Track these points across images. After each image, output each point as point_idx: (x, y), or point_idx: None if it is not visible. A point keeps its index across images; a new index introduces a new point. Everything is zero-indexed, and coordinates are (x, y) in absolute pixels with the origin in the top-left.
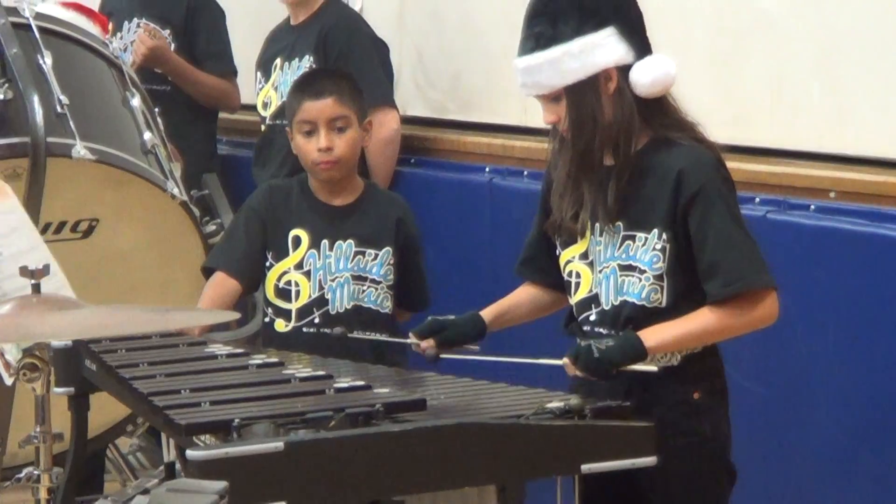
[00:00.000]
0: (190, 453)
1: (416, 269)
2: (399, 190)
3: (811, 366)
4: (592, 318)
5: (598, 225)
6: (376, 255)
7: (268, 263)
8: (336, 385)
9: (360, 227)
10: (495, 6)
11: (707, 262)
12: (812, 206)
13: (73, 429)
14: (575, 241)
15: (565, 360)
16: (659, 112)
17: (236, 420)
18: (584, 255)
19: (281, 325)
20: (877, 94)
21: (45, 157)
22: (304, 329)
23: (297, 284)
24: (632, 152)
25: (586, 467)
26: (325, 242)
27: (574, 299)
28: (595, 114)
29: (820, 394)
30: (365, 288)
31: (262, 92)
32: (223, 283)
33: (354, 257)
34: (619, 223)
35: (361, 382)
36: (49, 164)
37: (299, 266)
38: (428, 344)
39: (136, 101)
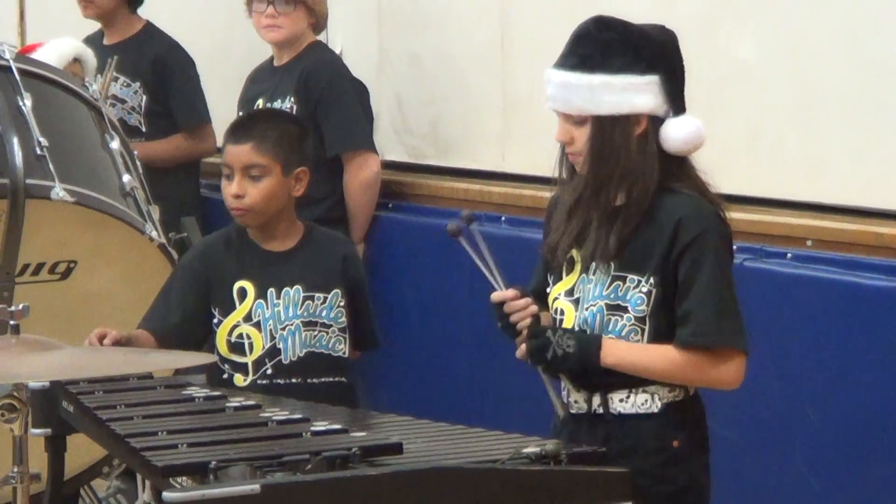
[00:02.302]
0: (167, 495)
1: (365, 307)
2: (377, 234)
3: (786, 413)
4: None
5: (592, 264)
6: (325, 299)
7: (216, 320)
8: (313, 428)
9: (307, 271)
10: (474, 52)
11: (684, 308)
12: (789, 255)
13: (50, 470)
14: (561, 277)
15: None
16: (676, 166)
17: (213, 462)
18: (570, 292)
19: (240, 380)
20: (853, 143)
21: (24, 198)
22: (259, 381)
23: (248, 337)
24: (648, 197)
25: None
26: (271, 291)
27: None
28: (618, 151)
29: (795, 441)
30: (316, 333)
31: None
32: (147, 340)
33: (303, 303)
34: (612, 263)
35: (338, 426)
36: (28, 206)
37: (248, 318)
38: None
39: (115, 144)
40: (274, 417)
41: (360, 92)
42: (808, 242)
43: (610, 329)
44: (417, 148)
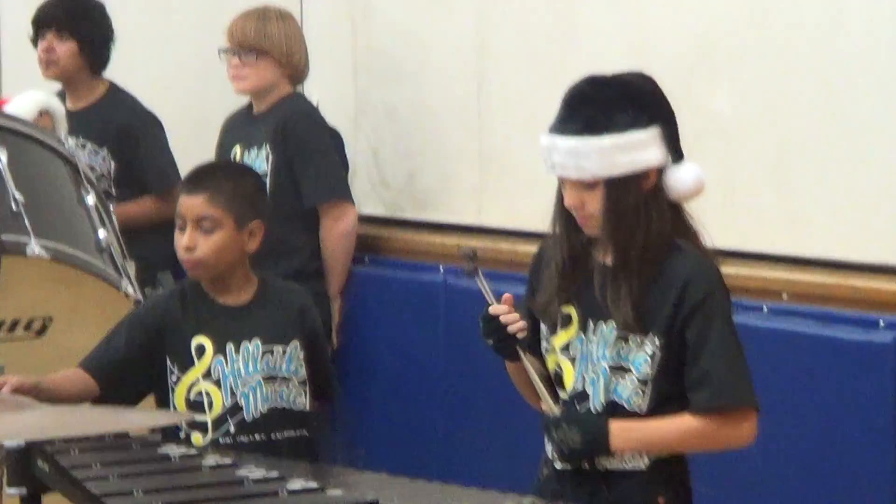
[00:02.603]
0: None
1: (323, 357)
2: (353, 289)
3: (764, 467)
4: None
5: (590, 322)
6: (285, 351)
7: (174, 377)
8: (289, 487)
9: (264, 324)
10: (450, 105)
11: (698, 371)
12: (765, 308)
13: None
14: (555, 331)
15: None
16: (676, 217)
17: None
18: (566, 348)
19: (198, 439)
20: (829, 196)
21: None
22: (221, 440)
23: (208, 394)
24: (660, 254)
25: None
26: (230, 346)
27: (561, 393)
28: (637, 210)
29: (773, 497)
30: (278, 387)
31: None
32: (80, 378)
33: (263, 357)
34: (614, 323)
35: (314, 484)
36: (3, 262)
37: (208, 375)
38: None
39: (90, 199)
40: (250, 476)
41: (336, 142)
42: (784, 295)
43: (618, 391)
44: (394, 201)
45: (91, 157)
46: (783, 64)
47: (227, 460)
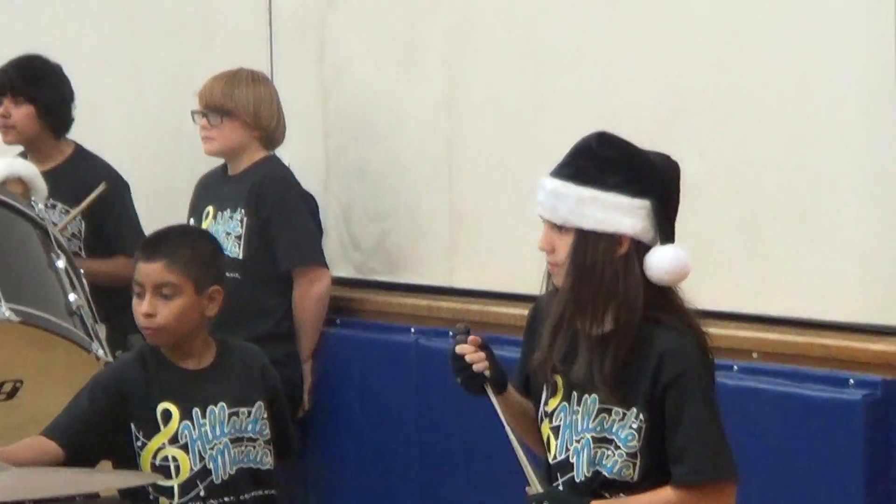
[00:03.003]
0: None
1: (284, 415)
2: (325, 350)
3: None
4: (560, 488)
5: (575, 393)
6: (250, 413)
7: (139, 443)
8: None
9: (228, 387)
10: (421, 166)
11: (677, 446)
12: (735, 367)
13: None
14: (542, 399)
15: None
16: (660, 295)
17: None
18: (550, 416)
19: (165, 503)
20: (798, 256)
21: None
22: (191, 503)
23: (174, 459)
24: (635, 325)
25: None
26: (196, 411)
27: (548, 461)
28: (600, 269)
29: None
30: (244, 448)
31: None
32: (43, 446)
33: (230, 420)
34: (596, 395)
35: None
36: None
37: (174, 440)
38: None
39: (61, 263)
40: None
41: (311, 206)
42: (755, 354)
43: (603, 463)
44: (365, 263)
45: (62, 217)
46: (752, 125)
47: None
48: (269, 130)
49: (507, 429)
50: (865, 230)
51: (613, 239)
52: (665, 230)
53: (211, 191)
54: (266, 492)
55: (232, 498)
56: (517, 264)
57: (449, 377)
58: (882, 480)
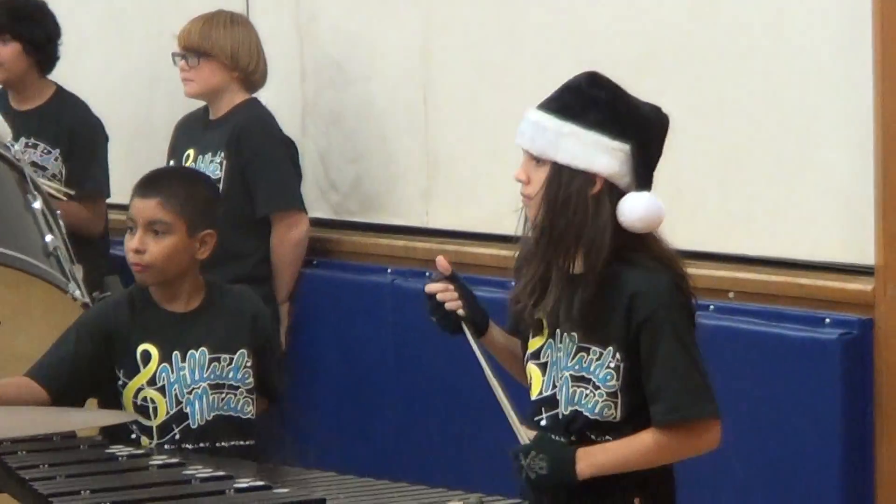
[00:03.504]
0: None
1: (273, 363)
2: (301, 291)
3: (712, 465)
4: (543, 423)
5: (558, 331)
6: (232, 360)
7: (120, 382)
8: (236, 485)
9: (211, 332)
10: (397, 109)
11: (652, 387)
12: (711, 307)
13: None
14: (530, 338)
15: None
16: (634, 238)
17: None
18: (537, 355)
19: (146, 443)
20: (774, 196)
21: None
22: (167, 446)
23: (153, 401)
24: (599, 266)
25: None
26: (176, 354)
27: (531, 397)
28: (571, 204)
29: (721, 493)
30: (224, 395)
31: None
32: (29, 386)
33: (210, 365)
34: (575, 334)
35: (261, 482)
36: None
37: (152, 382)
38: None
39: (37, 204)
40: (197, 475)
41: (290, 151)
42: (731, 294)
43: (583, 402)
44: (341, 205)
45: (43, 157)
46: (727, 64)
47: (175, 460)
48: (249, 72)
49: (487, 371)
50: (841, 170)
51: (587, 177)
52: (642, 177)
53: (191, 134)
54: (245, 442)
55: (208, 444)
56: (493, 205)
57: (425, 316)
58: (858, 419)
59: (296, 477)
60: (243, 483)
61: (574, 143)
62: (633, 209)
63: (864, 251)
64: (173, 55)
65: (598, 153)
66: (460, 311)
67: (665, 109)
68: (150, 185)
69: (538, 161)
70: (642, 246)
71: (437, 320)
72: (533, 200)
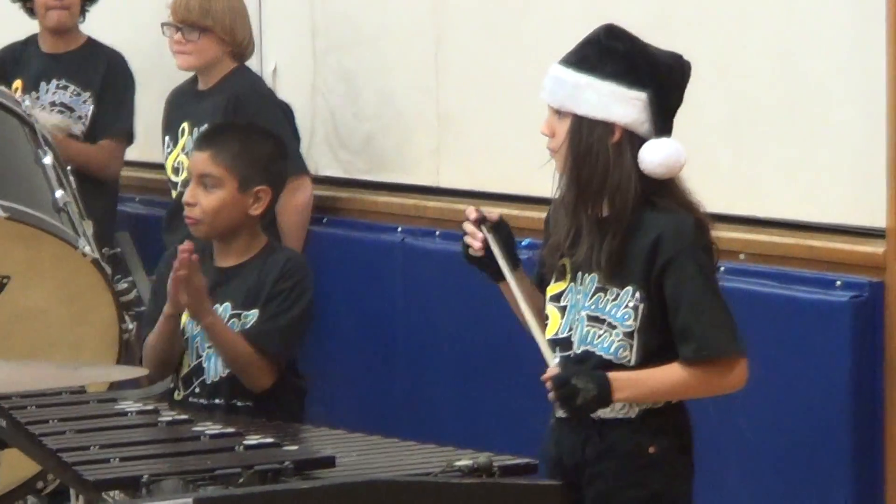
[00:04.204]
0: None
1: (269, 321)
2: (311, 250)
3: (720, 427)
4: (557, 360)
5: (580, 273)
6: (248, 318)
7: None
8: (246, 442)
9: (239, 289)
10: (408, 67)
11: (680, 326)
12: (722, 268)
13: None
14: (551, 280)
15: (548, 376)
16: (658, 183)
17: (145, 476)
18: (557, 298)
19: (178, 395)
20: (785, 157)
21: None
22: (191, 399)
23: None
24: (626, 211)
25: None
26: None
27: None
28: (594, 154)
29: (729, 457)
30: None
31: (171, 156)
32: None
33: (229, 321)
34: (596, 275)
35: (271, 440)
36: None
37: (182, 334)
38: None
39: (48, 159)
40: (206, 431)
41: (288, 115)
42: (742, 256)
43: (596, 343)
44: (352, 163)
45: (72, 99)
46: (738, 25)
47: (184, 416)
48: (242, 45)
49: (522, 305)
50: (853, 131)
51: (607, 127)
52: (661, 124)
53: (184, 107)
54: (262, 402)
55: (222, 401)
56: (504, 164)
57: (435, 275)
58: (868, 381)
59: (305, 434)
60: (253, 440)
61: (591, 94)
62: (653, 155)
63: (875, 213)
64: (163, 25)
65: (615, 103)
66: (477, 254)
67: None
68: (206, 138)
69: (560, 114)
70: (666, 192)
71: (478, 267)
72: (558, 153)
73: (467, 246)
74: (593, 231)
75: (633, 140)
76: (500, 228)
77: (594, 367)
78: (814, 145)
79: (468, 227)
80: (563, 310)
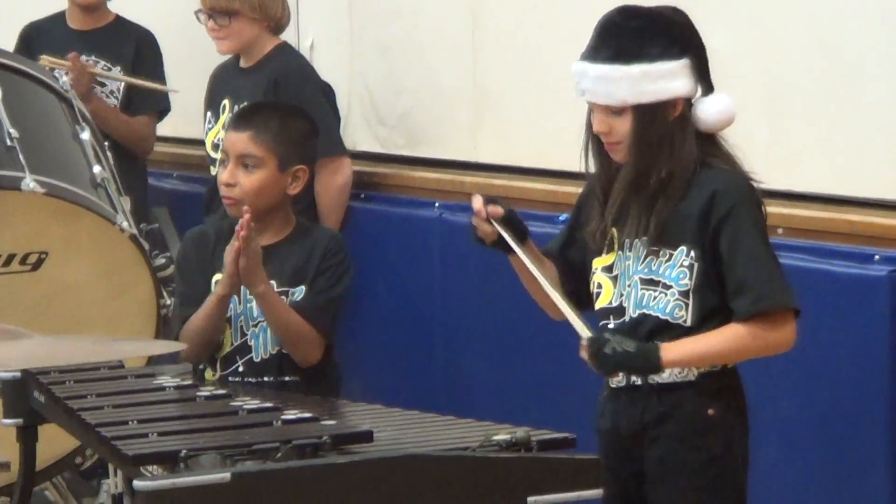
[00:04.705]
0: (137, 484)
1: (326, 289)
2: (348, 225)
3: (759, 402)
4: (611, 325)
5: (627, 241)
6: (294, 294)
7: None
8: (283, 417)
9: (282, 267)
10: (445, 42)
11: (737, 279)
12: None
13: (22, 460)
14: (601, 253)
15: (583, 343)
16: (709, 143)
17: (183, 451)
18: (609, 269)
19: (210, 374)
20: (823, 132)
21: None
22: (231, 378)
23: None
24: (688, 177)
25: (532, 499)
26: (244, 288)
27: (596, 306)
28: (661, 137)
29: (769, 429)
30: None
31: (212, 132)
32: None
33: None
34: (646, 238)
35: (309, 414)
36: None
37: None
38: (495, 209)
39: (85, 135)
40: (245, 406)
41: (328, 96)
42: (780, 231)
43: (651, 305)
44: (389, 138)
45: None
46: (774, 1)
47: (223, 391)
48: (276, 18)
49: (542, 280)
50: (891, 105)
51: (668, 105)
52: (705, 81)
53: (226, 84)
54: (307, 378)
55: (271, 378)
56: (541, 139)
57: (473, 250)
58: None
59: (343, 409)
60: (290, 415)
61: (649, 81)
62: (709, 112)
63: None
64: (197, 13)
65: (673, 79)
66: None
67: (713, 43)
68: (243, 118)
69: (615, 110)
70: (716, 150)
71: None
72: (621, 145)
73: (475, 227)
74: (643, 202)
75: (688, 105)
76: (508, 219)
77: (650, 328)
78: (852, 119)
79: (476, 220)
80: (614, 279)
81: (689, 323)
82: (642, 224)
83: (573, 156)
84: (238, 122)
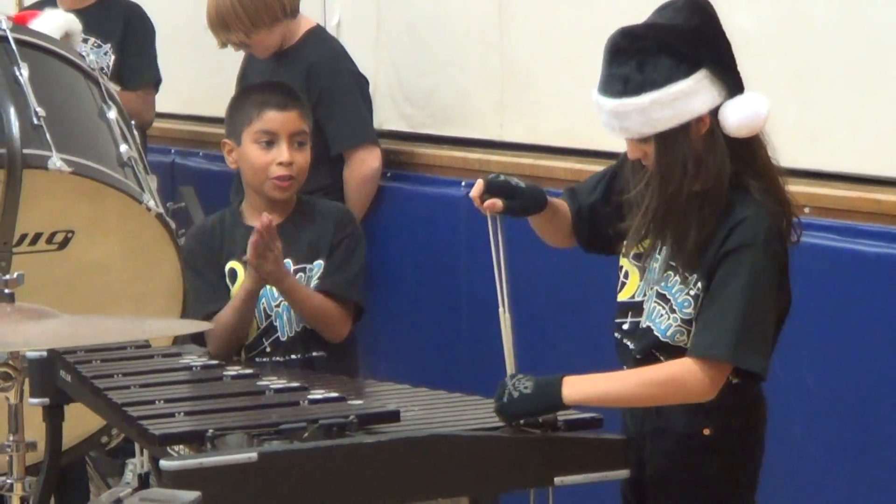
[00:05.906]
0: (164, 463)
1: (345, 261)
2: (375, 204)
3: (785, 382)
4: (625, 326)
5: (658, 242)
6: (312, 271)
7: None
8: (310, 396)
9: (297, 244)
10: (471, 22)
11: (706, 317)
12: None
13: (48, 440)
14: (635, 238)
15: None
16: (746, 152)
17: (210, 431)
18: (639, 257)
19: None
20: (850, 112)
21: (21, 168)
22: (257, 359)
23: None
24: (724, 193)
25: (559, 480)
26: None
27: (618, 297)
28: (686, 160)
29: (794, 410)
30: None
31: None
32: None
33: (295, 276)
34: (667, 248)
35: (336, 394)
36: (25, 176)
37: None
38: (492, 204)
39: (112, 114)
40: (271, 386)
41: (360, 85)
42: (807, 209)
43: (657, 321)
44: (415, 117)
45: (93, 50)
46: None
47: (249, 370)
48: (292, 9)
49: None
50: None
51: (690, 124)
52: (730, 83)
53: (259, 65)
54: (333, 353)
55: (298, 356)
56: (568, 118)
57: None
58: None
59: (369, 389)
60: (317, 394)
61: (661, 108)
62: (734, 117)
63: None
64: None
65: (689, 99)
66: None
67: (739, 22)
68: (287, 96)
69: (642, 140)
70: (751, 158)
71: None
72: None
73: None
74: (679, 221)
75: (715, 113)
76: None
77: (650, 343)
78: (879, 98)
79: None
80: (642, 271)
81: (688, 346)
82: (667, 235)
83: (600, 135)
84: (285, 101)
